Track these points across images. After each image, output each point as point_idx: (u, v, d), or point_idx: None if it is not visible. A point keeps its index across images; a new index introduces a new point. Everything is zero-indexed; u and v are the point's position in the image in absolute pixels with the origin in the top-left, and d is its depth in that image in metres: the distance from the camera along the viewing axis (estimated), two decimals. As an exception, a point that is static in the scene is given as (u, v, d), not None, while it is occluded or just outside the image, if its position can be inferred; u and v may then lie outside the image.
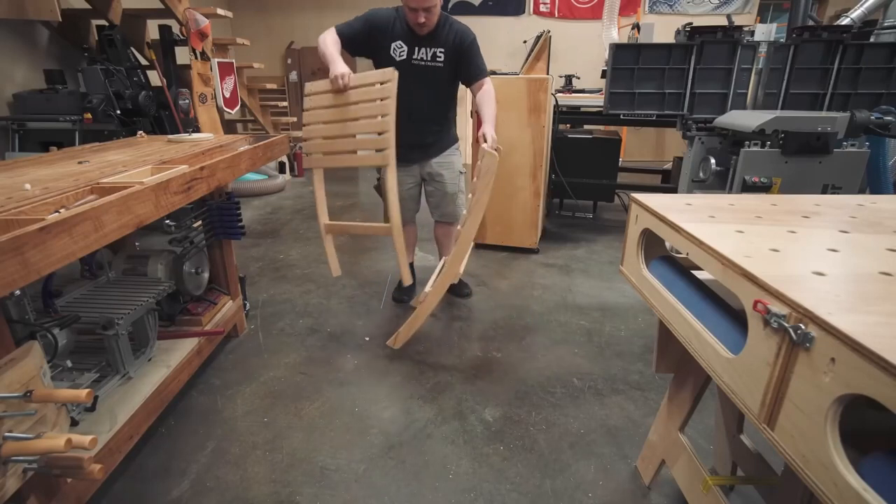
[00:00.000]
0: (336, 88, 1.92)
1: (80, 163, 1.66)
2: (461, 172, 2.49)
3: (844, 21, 4.03)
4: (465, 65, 2.17)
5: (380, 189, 2.50)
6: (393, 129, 1.85)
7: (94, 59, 3.40)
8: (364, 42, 2.13)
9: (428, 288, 2.13)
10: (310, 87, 2.03)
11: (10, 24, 3.22)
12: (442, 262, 2.44)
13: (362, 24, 2.12)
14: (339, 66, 1.92)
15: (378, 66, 2.09)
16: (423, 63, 2.14)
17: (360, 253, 3.33)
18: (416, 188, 2.46)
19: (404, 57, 2.12)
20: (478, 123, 2.23)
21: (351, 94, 1.92)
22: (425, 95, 2.20)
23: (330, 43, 2.04)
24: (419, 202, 2.53)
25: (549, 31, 4.28)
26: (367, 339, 2.29)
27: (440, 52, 2.12)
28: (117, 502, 1.42)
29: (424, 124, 2.27)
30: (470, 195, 1.93)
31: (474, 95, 2.22)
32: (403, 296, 2.63)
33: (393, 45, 2.11)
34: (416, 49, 2.11)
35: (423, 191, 2.50)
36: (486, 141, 2.01)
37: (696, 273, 1.13)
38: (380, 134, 1.89)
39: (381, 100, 1.87)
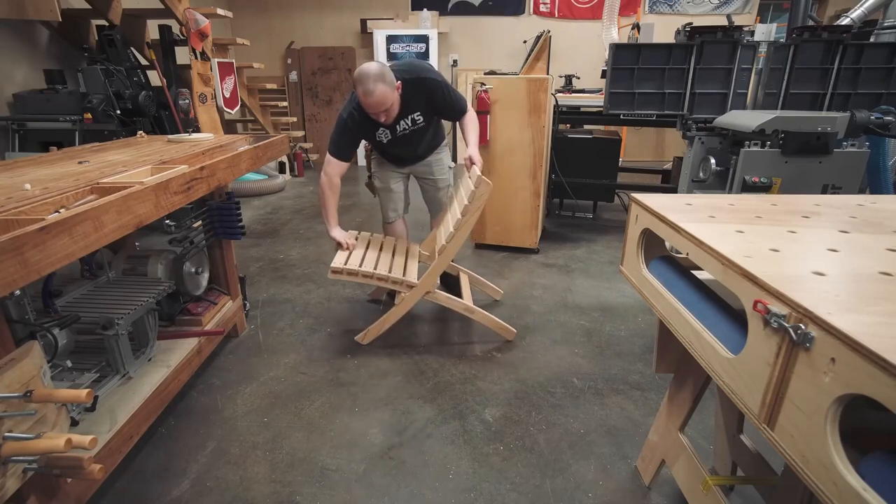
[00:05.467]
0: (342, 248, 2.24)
1: (80, 163, 1.66)
2: (450, 167, 2.55)
3: (844, 21, 4.04)
4: (445, 111, 2.25)
5: (371, 186, 2.57)
6: (463, 234, 2.05)
7: (94, 59, 3.40)
8: (355, 145, 2.27)
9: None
10: None
11: (10, 24, 3.22)
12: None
13: (348, 138, 2.20)
14: (335, 228, 2.26)
15: (370, 144, 2.35)
16: (408, 130, 2.21)
17: (360, 253, 3.33)
18: (403, 183, 2.52)
19: (390, 137, 2.22)
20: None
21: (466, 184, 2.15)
22: (413, 145, 2.31)
23: (330, 192, 2.22)
24: (408, 197, 2.58)
25: (549, 31, 4.28)
26: (367, 339, 2.29)
27: (418, 115, 2.19)
28: (117, 502, 1.42)
29: (410, 155, 2.40)
30: (460, 215, 2.01)
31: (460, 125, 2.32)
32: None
33: (377, 133, 2.20)
34: (398, 125, 2.18)
35: (407, 187, 2.56)
36: (473, 163, 2.13)
37: (696, 273, 1.13)
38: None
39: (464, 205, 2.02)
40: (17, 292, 1.24)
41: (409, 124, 2.19)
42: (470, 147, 2.22)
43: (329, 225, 2.26)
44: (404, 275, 2.13)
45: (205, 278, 2.06)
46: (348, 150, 2.23)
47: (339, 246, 2.25)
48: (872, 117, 2.40)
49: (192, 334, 1.89)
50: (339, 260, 2.10)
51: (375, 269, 2.09)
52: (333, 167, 2.20)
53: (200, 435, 1.68)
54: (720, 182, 2.49)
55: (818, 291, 0.70)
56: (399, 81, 2.03)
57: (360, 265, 2.08)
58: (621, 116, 3.25)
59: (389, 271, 2.11)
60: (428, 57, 5.75)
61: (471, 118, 2.27)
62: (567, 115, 3.83)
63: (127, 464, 1.53)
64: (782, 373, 0.70)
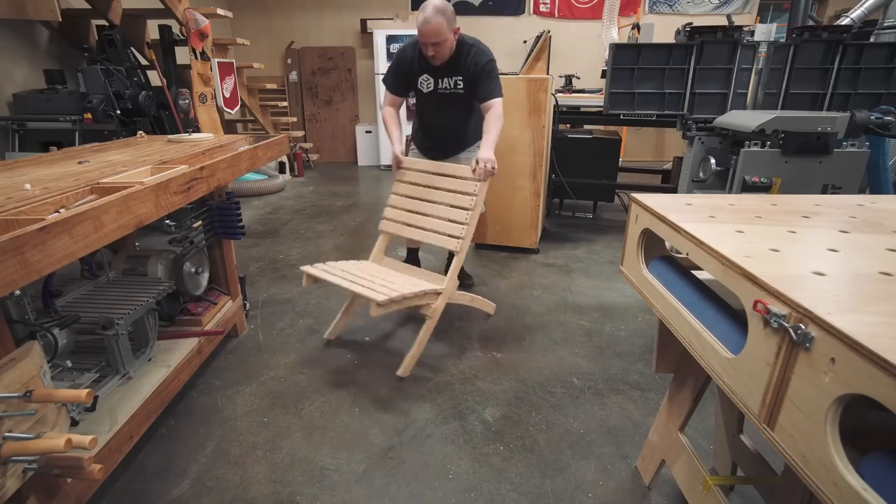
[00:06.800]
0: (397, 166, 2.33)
1: (80, 163, 1.66)
2: None
3: (844, 21, 4.04)
4: (477, 86, 2.23)
5: None
6: (474, 224, 2.10)
7: (94, 59, 3.40)
8: (406, 84, 2.31)
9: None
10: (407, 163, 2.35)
11: (10, 24, 3.22)
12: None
13: (396, 69, 2.30)
14: (395, 147, 2.28)
15: (414, 97, 2.37)
16: (448, 91, 2.26)
17: (359, 253, 3.32)
18: None
19: (431, 88, 2.27)
20: None
21: (445, 180, 2.21)
22: (448, 116, 2.36)
23: (389, 119, 2.30)
24: None
25: (549, 31, 4.27)
26: (367, 338, 2.29)
27: (460, 80, 2.23)
28: (117, 502, 1.42)
29: (445, 136, 2.43)
30: (468, 210, 2.05)
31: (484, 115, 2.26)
32: None
33: (420, 78, 2.26)
34: (441, 80, 2.25)
35: None
36: (478, 164, 2.06)
37: (696, 273, 1.13)
38: (460, 224, 2.12)
39: (472, 198, 2.08)
40: (17, 292, 1.24)
41: (451, 86, 2.24)
42: (483, 147, 2.11)
43: (393, 146, 2.31)
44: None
45: (205, 278, 2.06)
46: (398, 85, 2.31)
47: (394, 161, 2.33)
48: (872, 117, 2.40)
49: (192, 334, 1.89)
50: (379, 295, 1.83)
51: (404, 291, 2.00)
52: (387, 99, 2.34)
53: (200, 435, 1.68)
54: (720, 182, 2.49)
55: (818, 291, 0.70)
56: (458, 28, 2.11)
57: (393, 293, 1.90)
58: (621, 116, 3.25)
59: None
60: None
61: (497, 114, 2.16)
62: (567, 115, 3.83)
63: (127, 464, 1.53)
64: (782, 373, 0.70)
